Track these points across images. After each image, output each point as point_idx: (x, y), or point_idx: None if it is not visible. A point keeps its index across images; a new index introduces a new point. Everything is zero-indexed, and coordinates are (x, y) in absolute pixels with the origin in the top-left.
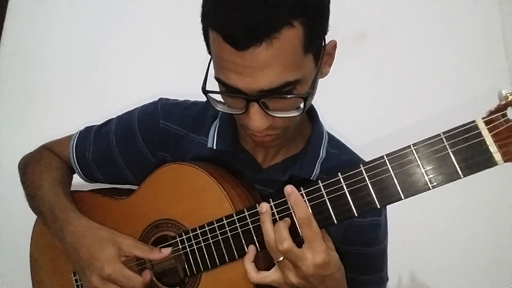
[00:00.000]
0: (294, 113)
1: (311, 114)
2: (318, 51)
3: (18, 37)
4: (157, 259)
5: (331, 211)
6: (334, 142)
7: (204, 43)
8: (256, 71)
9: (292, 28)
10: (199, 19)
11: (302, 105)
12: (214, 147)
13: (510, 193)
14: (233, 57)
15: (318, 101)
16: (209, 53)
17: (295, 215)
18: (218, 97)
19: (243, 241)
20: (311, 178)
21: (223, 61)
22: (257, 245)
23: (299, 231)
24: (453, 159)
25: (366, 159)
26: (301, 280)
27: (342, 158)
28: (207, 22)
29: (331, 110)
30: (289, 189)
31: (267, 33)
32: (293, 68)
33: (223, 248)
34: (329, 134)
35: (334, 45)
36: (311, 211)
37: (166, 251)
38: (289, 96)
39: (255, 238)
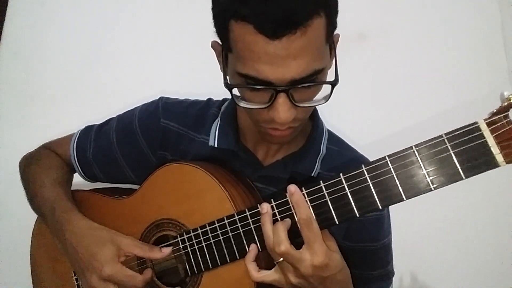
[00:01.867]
0: (321, 102)
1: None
2: (332, 43)
3: (18, 37)
4: (157, 258)
5: (332, 211)
6: (334, 138)
7: (203, 42)
8: (288, 60)
9: (320, 17)
10: (200, 19)
11: (328, 93)
12: (216, 146)
13: (510, 192)
14: (266, 46)
15: None
16: (227, 49)
17: (296, 215)
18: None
19: (244, 241)
20: (312, 175)
21: (253, 53)
22: (258, 245)
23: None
24: (455, 161)
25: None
26: (301, 280)
27: (342, 154)
28: (229, 15)
29: (331, 110)
30: (292, 188)
31: (302, 21)
32: (319, 57)
33: (224, 248)
34: (328, 131)
35: (338, 38)
36: (312, 212)
37: (166, 250)
38: (317, 84)
39: (256, 238)
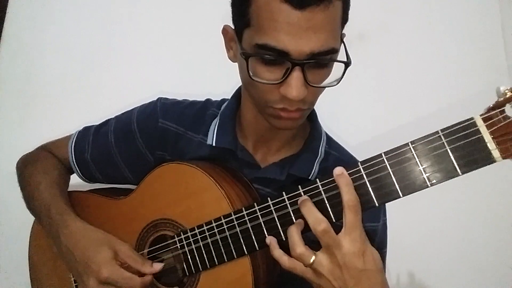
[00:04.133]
0: (332, 83)
1: (309, 114)
2: (342, 33)
3: (18, 37)
4: (148, 272)
5: (329, 210)
6: (332, 143)
7: (201, 43)
8: (309, 32)
9: (339, 0)
10: (199, 19)
11: (339, 76)
12: (214, 144)
13: (510, 191)
14: (290, 16)
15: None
16: (245, 25)
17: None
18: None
19: (242, 240)
20: (309, 178)
21: (276, 22)
22: (256, 244)
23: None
24: (451, 157)
25: (365, 157)
26: (334, 273)
27: (341, 160)
28: None
29: (330, 108)
30: (339, 170)
31: None
32: (336, 36)
33: (221, 247)
34: (327, 135)
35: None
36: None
37: (157, 266)
38: (331, 61)
39: (253, 237)
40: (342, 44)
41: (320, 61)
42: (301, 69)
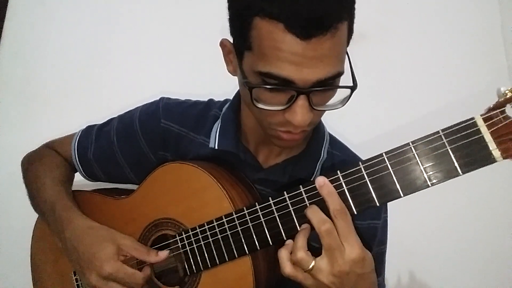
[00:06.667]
0: (337, 106)
1: None
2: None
3: (18, 37)
4: (153, 261)
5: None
6: (335, 143)
7: (204, 43)
8: (315, 61)
9: (345, 21)
10: (201, 19)
11: (344, 97)
12: (216, 147)
13: (510, 191)
14: (294, 47)
15: None
16: (245, 47)
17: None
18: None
19: (243, 239)
20: (311, 179)
21: (280, 51)
22: (257, 244)
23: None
24: (452, 156)
25: (366, 157)
26: (335, 279)
27: (344, 160)
28: (254, 12)
29: None
30: (321, 180)
31: (333, 23)
32: (342, 60)
33: (222, 247)
34: (330, 135)
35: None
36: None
37: (163, 254)
38: (337, 87)
39: (254, 237)
40: (348, 61)
41: (326, 87)
42: (306, 97)
